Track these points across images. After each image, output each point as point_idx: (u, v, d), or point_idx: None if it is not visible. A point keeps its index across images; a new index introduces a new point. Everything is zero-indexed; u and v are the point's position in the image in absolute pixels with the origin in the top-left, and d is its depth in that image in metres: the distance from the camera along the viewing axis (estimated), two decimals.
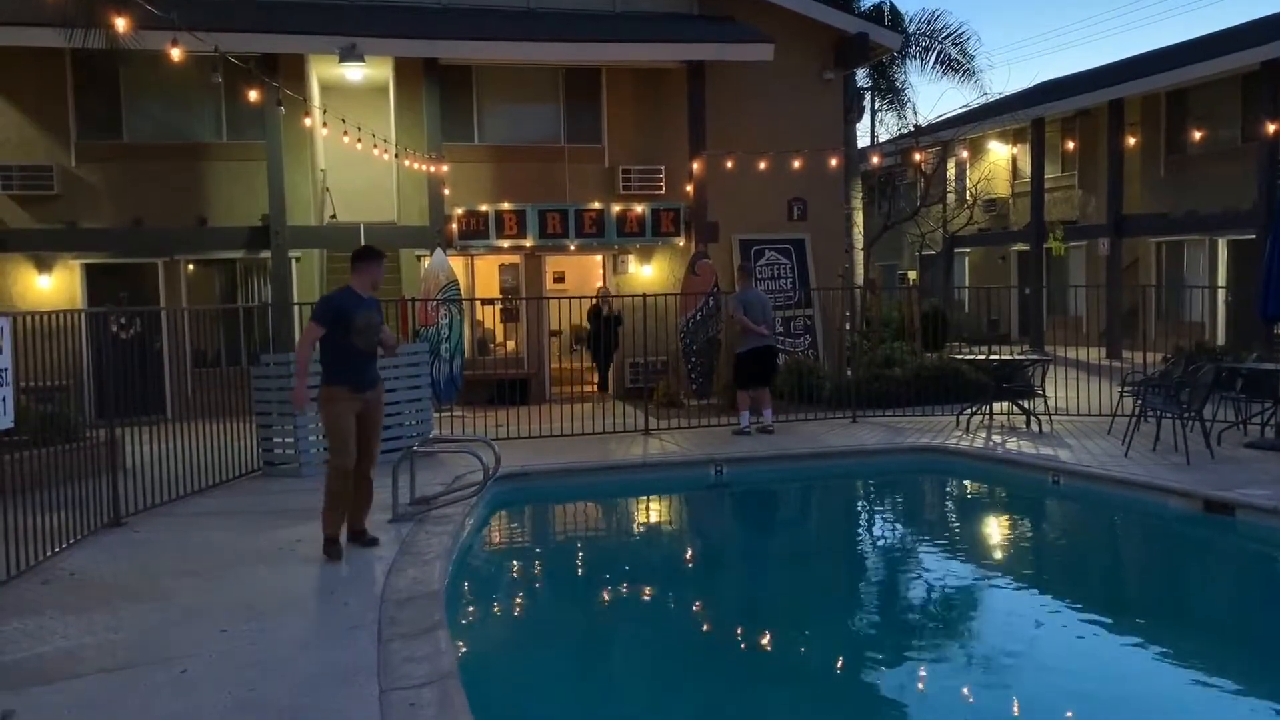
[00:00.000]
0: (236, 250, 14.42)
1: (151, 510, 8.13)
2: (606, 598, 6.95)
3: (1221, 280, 19.32)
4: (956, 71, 20.71)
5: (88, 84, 14.13)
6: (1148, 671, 5.30)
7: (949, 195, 25.91)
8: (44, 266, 14.05)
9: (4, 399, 6.04)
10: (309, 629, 5.20)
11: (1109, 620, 6.11)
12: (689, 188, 14.91)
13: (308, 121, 13.23)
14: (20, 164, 13.76)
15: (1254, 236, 17.15)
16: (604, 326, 15.40)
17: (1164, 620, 6.24)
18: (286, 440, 9.64)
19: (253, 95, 11.05)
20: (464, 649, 5.44)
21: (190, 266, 14.76)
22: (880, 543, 8.64)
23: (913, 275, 29.11)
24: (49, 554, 6.69)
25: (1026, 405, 11.63)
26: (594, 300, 15.43)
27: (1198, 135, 18.12)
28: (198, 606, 5.58)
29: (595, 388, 16.15)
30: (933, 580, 7.22)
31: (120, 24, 8.02)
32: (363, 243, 14.18)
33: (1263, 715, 4.73)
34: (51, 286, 14.06)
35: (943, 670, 5.33)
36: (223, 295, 14.97)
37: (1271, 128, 14.46)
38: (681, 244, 15.22)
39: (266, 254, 14.07)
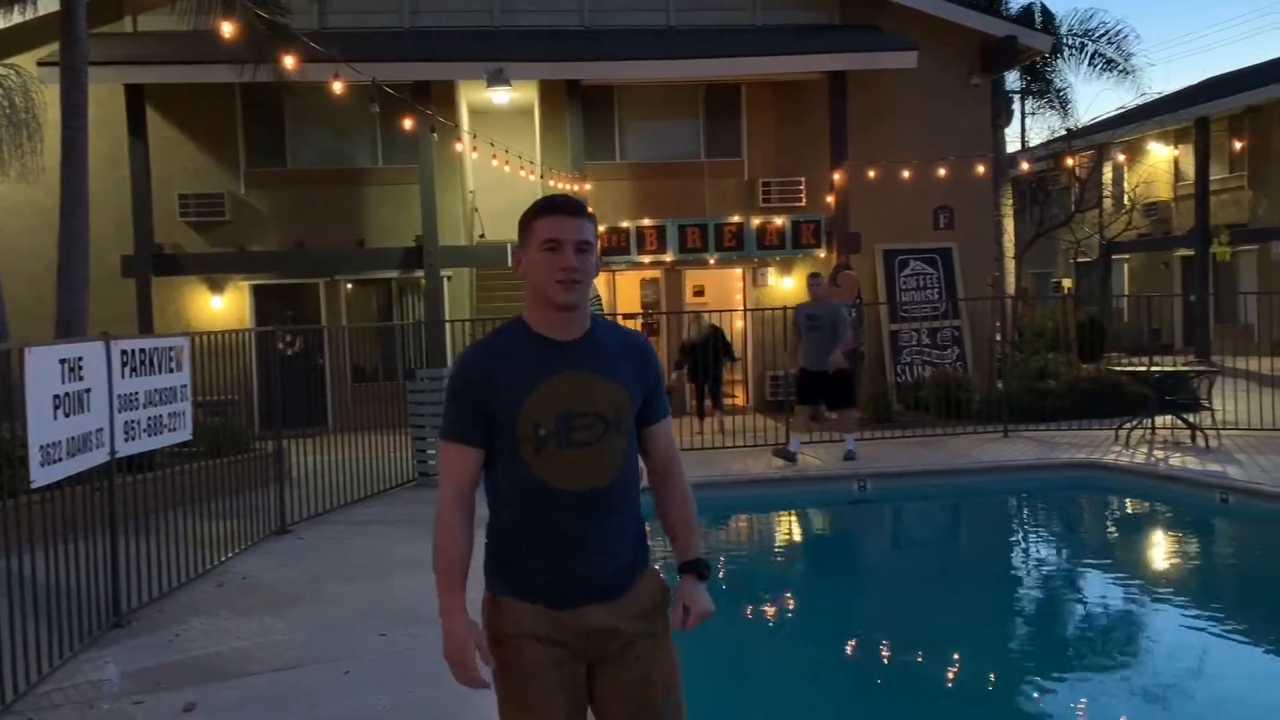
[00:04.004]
0: (392, 270, 15.05)
1: (315, 518, 8.57)
2: (744, 613, 6.95)
3: None
4: (1112, 71, 19.90)
5: (255, 116, 15.03)
6: None
7: (1105, 200, 24.84)
8: (216, 288, 14.99)
9: (184, 413, 6.49)
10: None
11: (1264, 641, 5.75)
12: (830, 199, 14.78)
13: (459, 146, 13.71)
14: (196, 192, 14.74)
15: None
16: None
17: None
18: None
19: (408, 123, 11.55)
20: None
21: (349, 286, 15.49)
22: (1033, 564, 8.34)
23: (1067, 284, 28.00)
24: (223, 559, 7.14)
25: (1191, 419, 11.04)
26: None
27: None
28: (359, 612, 5.86)
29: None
30: (1092, 606, 6.93)
31: (288, 61, 8.53)
32: (509, 262, 14.69)
33: None
34: (223, 307, 14.99)
35: (1104, 699, 5.12)
36: (379, 313, 15.65)
37: None
38: (823, 255, 15.09)
39: (420, 273, 14.63)
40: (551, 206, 2.39)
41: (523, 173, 13.69)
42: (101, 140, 13.35)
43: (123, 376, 5.74)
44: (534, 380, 2.33)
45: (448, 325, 13.16)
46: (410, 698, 4.50)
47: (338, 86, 9.50)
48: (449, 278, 15.01)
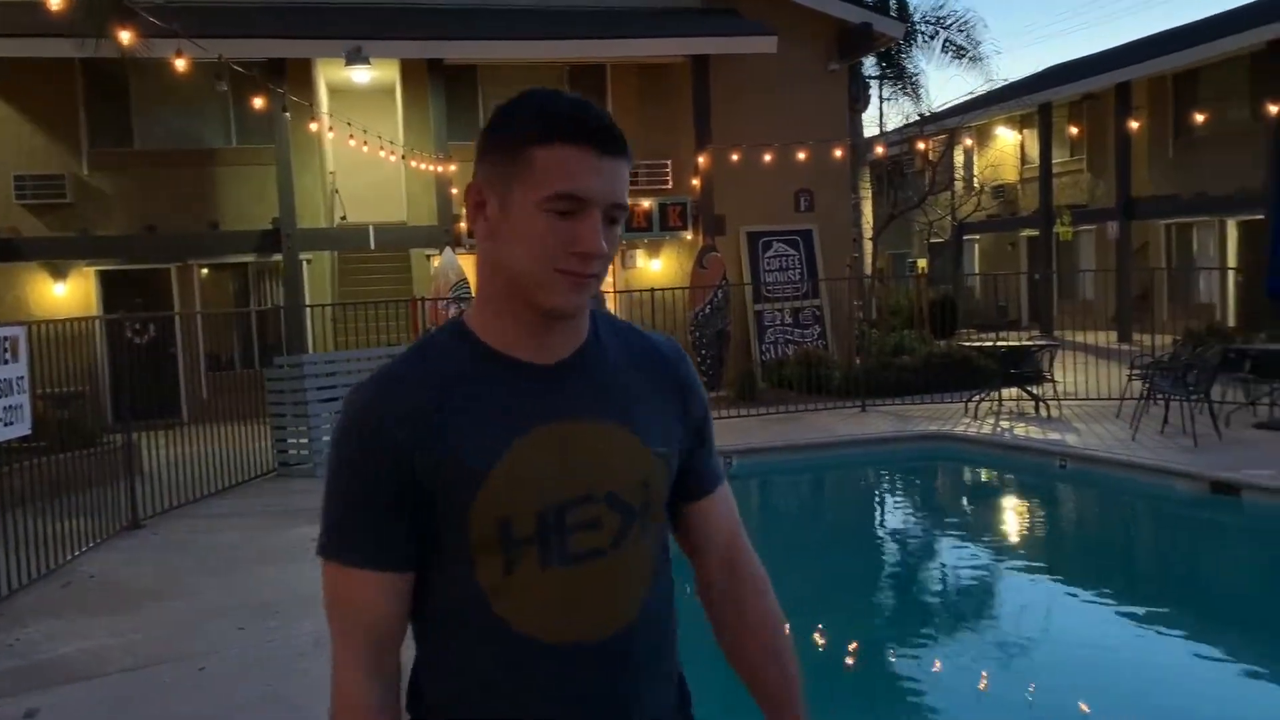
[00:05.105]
0: (248, 254, 14.56)
1: (170, 513, 8.28)
2: None
3: (1232, 261, 19.25)
4: (962, 58, 20.71)
5: (98, 93, 14.29)
6: (1154, 650, 5.37)
7: (957, 182, 25.88)
8: (59, 274, 14.22)
9: (20, 406, 6.19)
10: (324, 626, 5.31)
11: (1111, 601, 6.18)
12: (695, 182, 14.98)
13: (314, 126, 13.35)
14: (34, 173, 13.93)
15: (1263, 217, 17.07)
16: None
17: (1165, 600, 6.30)
18: (300, 441, 9.77)
19: (260, 102, 11.17)
20: None
21: (203, 271, 14.92)
22: (885, 530, 8.71)
23: (922, 263, 29.09)
24: (69, 558, 6.84)
25: (1035, 390, 11.67)
26: None
27: (1206, 116, 18.05)
28: (216, 606, 5.71)
29: None
30: (937, 566, 7.29)
31: (125, 37, 8.14)
32: (372, 245, 14.41)
33: (1264, 688, 4.79)
34: (67, 294, 14.23)
35: (956, 653, 5.41)
36: (236, 299, 15.13)
37: (1276, 108, 14.40)
38: (689, 238, 15.29)
39: (278, 257, 14.20)
40: (575, 126, 1.26)
41: (383, 153, 13.43)
42: None
43: None
44: (498, 439, 1.28)
45: (308, 310, 12.84)
46: (268, 691, 4.43)
47: (181, 65, 9.11)
48: (309, 261, 14.62)
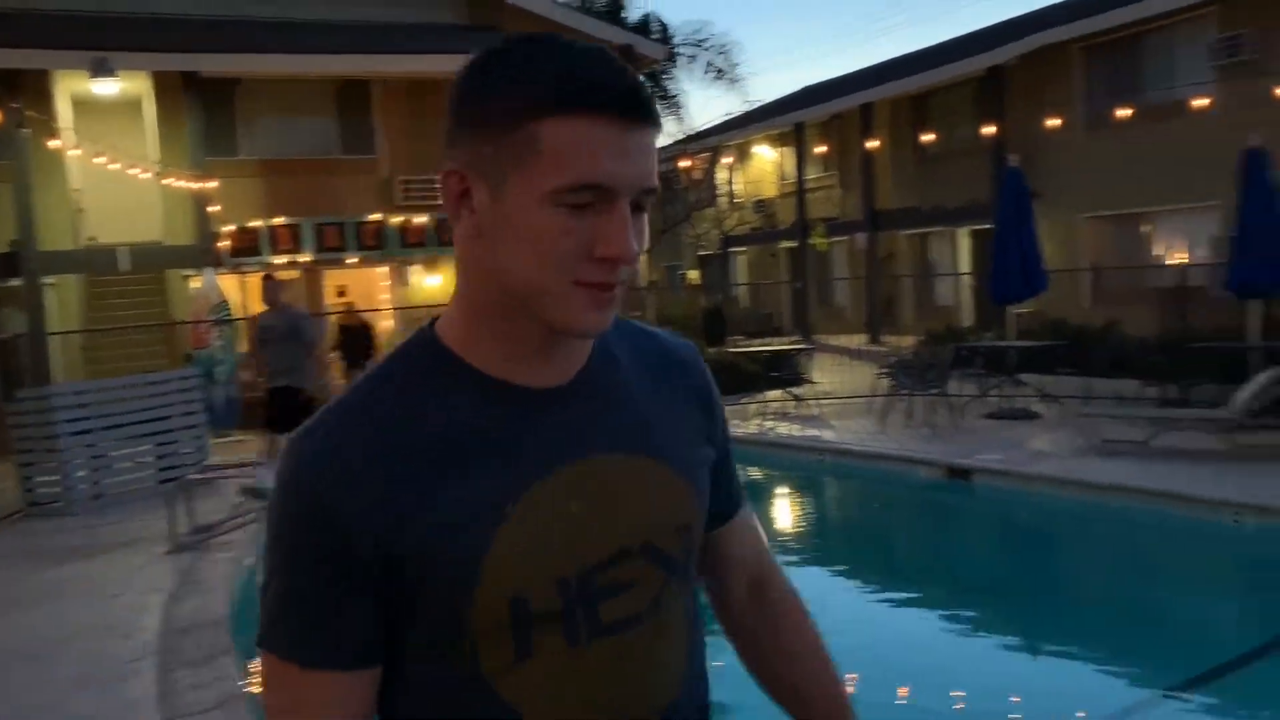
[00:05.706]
0: None
1: None
2: None
3: (966, 267, 21.12)
4: (722, 79, 21.80)
5: None
6: (900, 617, 5.93)
7: (721, 198, 27.08)
8: None
9: None
10: (89, 667, 5.07)
11: (860, 576, 6.77)
12: None
13: (52, 143, 12.48)
14: None
15: (991, 227, 18.84)
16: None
17: (905, 572, 6.95)
18: (51, 478, 9.13)
19: None
20: (256, 670, 5.44)
21: None
22: None
23: (694, 274, 30.21)
24: None
25: (796, 391, 12.45)
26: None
27: (939, 135, 19.75)
28: None
29: None
30: None
31: None
32: (125, 266, 13.62)
33: (996, 649, 5.41)
34: None
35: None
36: None
37: (993, 128, 16.01)
38: None
39: (17, 282, 13.15)
40: (597, 91, 0.95)
41: (134, 170, 12.74)
42: None
43: None
44: (505, 492, 1.00)
45: (51, 338, 11.99)
46: None
47: None
48: (52, 285, 13.62)
